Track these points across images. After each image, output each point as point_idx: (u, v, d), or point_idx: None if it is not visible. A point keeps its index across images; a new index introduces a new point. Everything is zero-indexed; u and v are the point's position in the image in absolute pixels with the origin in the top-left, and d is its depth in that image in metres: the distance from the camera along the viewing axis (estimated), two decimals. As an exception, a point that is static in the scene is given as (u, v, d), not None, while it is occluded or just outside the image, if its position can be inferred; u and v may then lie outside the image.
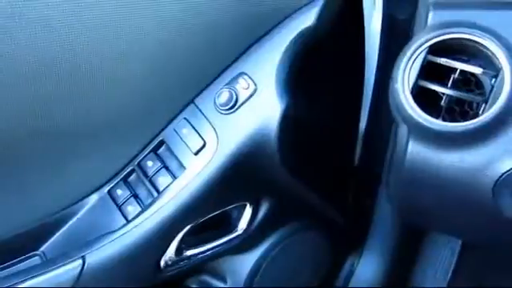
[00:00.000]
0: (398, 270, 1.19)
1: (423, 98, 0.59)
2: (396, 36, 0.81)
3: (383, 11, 0.84)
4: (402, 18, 0.78)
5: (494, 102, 0.54)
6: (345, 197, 1.03)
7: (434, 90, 0.58)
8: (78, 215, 0.68)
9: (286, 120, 0.64)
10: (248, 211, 0.78)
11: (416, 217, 0.82)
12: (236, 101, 0.64)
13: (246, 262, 0.85)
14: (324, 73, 0.73)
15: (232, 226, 0.79)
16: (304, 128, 0.71)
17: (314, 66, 0.69)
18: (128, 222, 0.67)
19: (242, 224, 0.79)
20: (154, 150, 0.69)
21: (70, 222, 0.68)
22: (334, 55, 0.74)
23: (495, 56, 0.55)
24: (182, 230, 0.70)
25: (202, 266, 0.82)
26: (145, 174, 0.68)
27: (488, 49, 0.55)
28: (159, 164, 0.68)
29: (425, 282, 1.27)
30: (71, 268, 0.63)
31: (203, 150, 0.66)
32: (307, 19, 0.63)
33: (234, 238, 0.79)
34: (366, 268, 1.16)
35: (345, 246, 1.13)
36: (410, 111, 0.58)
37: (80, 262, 0.63)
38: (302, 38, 0.63)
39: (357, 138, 0.96)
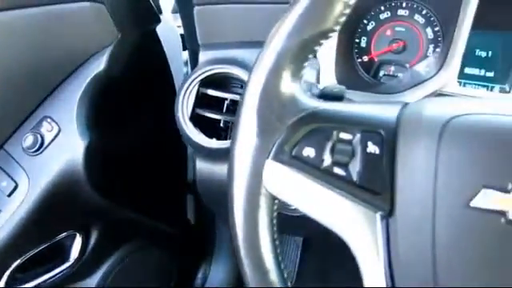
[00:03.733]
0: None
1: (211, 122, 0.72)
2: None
3: (188, 48, 0.96)
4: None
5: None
6: (182, 211, 1.13)
7: None
8: None
9: (91, 154, 0.72)
10: (78, 240, 0.84)
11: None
12: (42, 143, 0.71)
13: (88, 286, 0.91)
14: (129, 106, 0.83)
15: (65, 257, 0.84)
16: (114, 158, 0.79)
17: (114, 103, 0.78)
18: None
19: (74, 253, 0.84)
20: (-31, 197, 0.72)
21: None
22: (137, 89, 0.84)
23: (249, 85, 0.69)
24: (7, 268, 0.74)
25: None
26: (-39, 220, 0.71)
27: (243, 80, 0.69)
28: (-26, 209, 0.71)
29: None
30: None
31: (16, 191, 0.71)
32: (100, 64, 0.72)
33: (68, 267, 0.84)
34: (218, 273, 1.26)
35: (194, 256, 1.23)
36: (190, 135, 0.69)
37: None
38: (96, 81, 0.72)
39: (184, 157, 1.07)
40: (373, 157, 0.40)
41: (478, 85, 0.71)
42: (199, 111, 0.70)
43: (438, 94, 0.68)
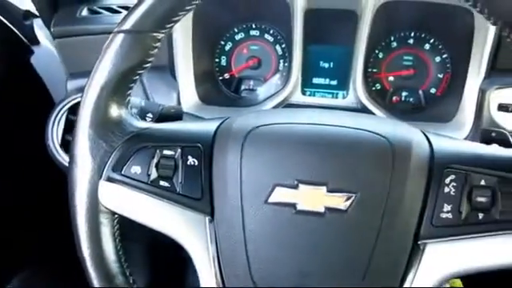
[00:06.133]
0: (172, 274, 1.33)
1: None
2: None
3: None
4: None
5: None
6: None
7: None
8: None
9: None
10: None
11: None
12: None
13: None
14: (3, 136, 0.84)
15: None
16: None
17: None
18: None
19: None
20: None
21: None
22: (13, 120, 0.85)
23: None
24: None
25: None
26: None
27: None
28: None
29: (197, 281, 1.44)
30: None
31: None
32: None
33: None
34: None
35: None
36: (61, 161, 0.73)
37: None
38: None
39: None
40: (193, 168, 0.47)
41: (325, 92, 0.80)
42: (69, 138, 0.74)
43: (287, 105, 0.76)
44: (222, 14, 0.79)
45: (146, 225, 0.48)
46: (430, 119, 0.74)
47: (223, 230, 0.45)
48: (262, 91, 0.82)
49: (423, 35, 0.76)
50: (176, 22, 0.46)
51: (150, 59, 0.47)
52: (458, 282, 0.70)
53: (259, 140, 0.45)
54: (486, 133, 0.49)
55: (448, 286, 0.67)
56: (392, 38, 0.78)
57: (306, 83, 0.79)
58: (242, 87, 0.83)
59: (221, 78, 0.83)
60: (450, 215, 0.42)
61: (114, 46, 0.46)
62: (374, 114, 0.73)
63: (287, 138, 0.45)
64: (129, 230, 0.50)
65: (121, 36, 0.46)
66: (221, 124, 0.49)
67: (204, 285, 0.47)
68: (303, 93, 0.79)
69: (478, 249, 0.42)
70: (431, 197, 0.43)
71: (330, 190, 0.43)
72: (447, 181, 0.42)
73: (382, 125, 0.46)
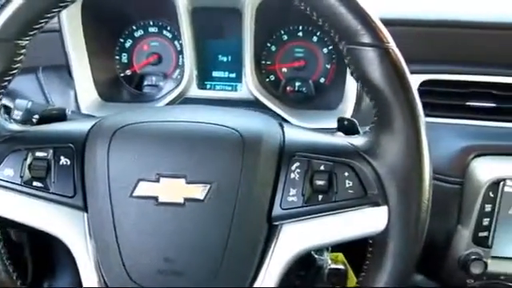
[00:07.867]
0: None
1: None
2: None
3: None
4: None
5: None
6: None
7: None
8: None
9: None
10: None
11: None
12: None
13: None
14: None
15: None
16: None
17: None
18: None
19: None
20: None
21: None
22: None
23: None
24: None
25: None
26: None
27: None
28: None
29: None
30: None
31: None
32: None
33: None
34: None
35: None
36: None
37: None
38: None
39: None
40: (65, 168, 0.49)
41: (225, 85, 0.84)
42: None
43: (185, 99, 0.79)
44: (113, 13, 0.80)
45: (25, 224, 0.50)
46: (320, 107, 0.80)
47: (96, 224, 0.48)
48: (164, 86, 0.84)
49: (310, 28, 0.81)
50: (39, 28, 0.48)
51: (16, 66, 0.49)
52: (341, 256, 0.76)
53: (124, 138, 0.49)
54: (340, 121, 0.54)
55: (330, 261, 0.73)
56: (282, 32, 0.82)
57: (206, 77, 0.83)
58: (145, 83, 0.85)
59: (122, 74, 0.85)
60: (295, 198, 0.47)
61: None
62: (265, 104, 0.77)
63: (149, 135, 0.49)
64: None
65: None
66: (95, 124, 0.52)
67: (83, 276, 0.50)
68: (203, 86, 0.82)
69: (320, 227, 0.47)
70: (280, 182, 0.47)
71: (188, 182, 0.46)
72: (293, 167, 0.47)
73: (238, 119, 0.50)
